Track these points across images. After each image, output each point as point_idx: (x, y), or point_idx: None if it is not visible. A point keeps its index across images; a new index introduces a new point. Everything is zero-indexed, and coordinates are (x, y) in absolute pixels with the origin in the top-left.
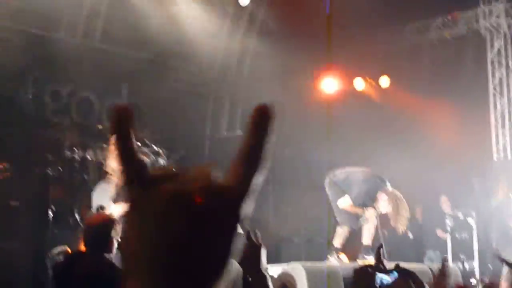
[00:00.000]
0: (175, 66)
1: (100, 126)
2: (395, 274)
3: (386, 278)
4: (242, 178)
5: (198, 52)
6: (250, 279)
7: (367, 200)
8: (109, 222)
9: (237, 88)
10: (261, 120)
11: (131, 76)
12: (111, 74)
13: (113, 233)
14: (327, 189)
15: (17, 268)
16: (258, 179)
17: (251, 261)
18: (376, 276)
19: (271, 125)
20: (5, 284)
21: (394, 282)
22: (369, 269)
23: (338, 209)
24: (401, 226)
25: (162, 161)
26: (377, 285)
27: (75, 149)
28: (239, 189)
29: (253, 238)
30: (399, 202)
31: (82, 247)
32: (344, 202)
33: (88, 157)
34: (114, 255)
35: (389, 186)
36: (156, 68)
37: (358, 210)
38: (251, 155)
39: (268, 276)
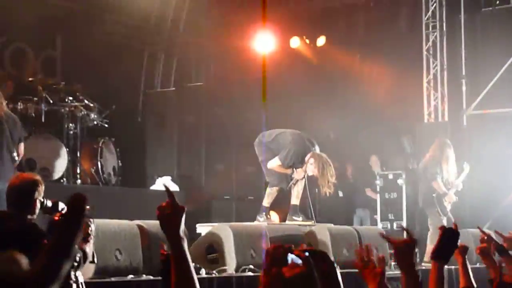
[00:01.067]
0: (109, 19)
1: (31, 79)
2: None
3: (297, 259)
4: (42, 269)
5: (134, 5)
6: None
7: (296, 161)
8: (32, 182)
9: (172, 43)
10: (75, 210)
11: (65, 27)
12: (45, 25)
13: (36, 194)
14: (256, 149)
15: None
16: (62, 270)
17: (171, 224)
18: (288, 256)
19: (81, 217)
20: None
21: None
22: (282, 249)
23: (267, 169)
24: (327, 189)
25: (94, 115)
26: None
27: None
28: (37, 279)
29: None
30: (325, 165)
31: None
32: (273, 163)
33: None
34: (36, 216)
35: (317, 149)
36: (90, 20)
37: (287, 171)
38: (57, 246)
39: (185, 239)
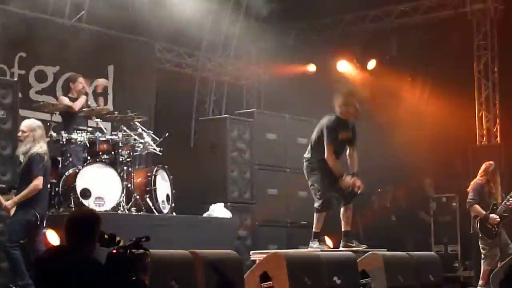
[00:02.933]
0: (161, 46)
1: (85, 109)
2: None
3: None
4: None
5: (185, 32)
6: None
7: None
8: (94, 216)
9: (223, 69)
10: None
11: (117, 56)
12: (97, 54)
13: (98, 228)
14: (305, 173)
15: None
16: None
17: None
18: None
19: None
20: None
21: None
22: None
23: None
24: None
25: (147, 143)
26: None
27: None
28: None
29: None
30: None
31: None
32: None
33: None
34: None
35: None
36: (142, 48)
37: None
38: None
39: None
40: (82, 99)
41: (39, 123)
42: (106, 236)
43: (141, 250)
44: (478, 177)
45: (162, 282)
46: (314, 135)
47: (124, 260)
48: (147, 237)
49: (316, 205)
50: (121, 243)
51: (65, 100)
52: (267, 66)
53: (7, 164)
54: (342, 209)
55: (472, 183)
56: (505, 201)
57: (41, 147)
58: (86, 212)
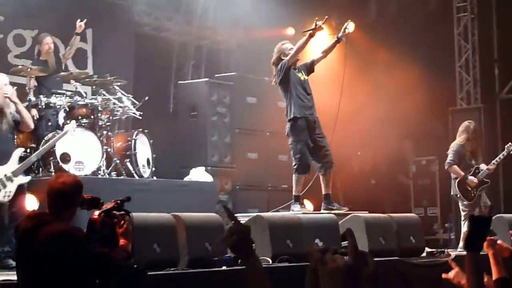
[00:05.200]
0: (139, 10)
1: (63, 73)
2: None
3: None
4: None
5: None
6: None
7: None
8: (76, 186)
9: (202, 33)
10: None
11: (96, 20)
12: (75, 18)
13: (79, 197)
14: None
15: None
16: None
17: (243, 246)
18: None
19: None
20: None
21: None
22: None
23: None
24: None
25: (127, 107)
26: None
27: None
28: None
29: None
30: None
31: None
32: None
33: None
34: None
35: None
36: (120, 11)
37: None
38: None
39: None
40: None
41: None
42: (88, 199)
43: (123, 212)
44: (458, 138)
45: (144, 245)
46: None
47: (105, 227)
48: (128, 198)
49: (294, 166)
50: (103, 207)
51: None
52: (246, 30)
53: None
54: (321, 173)
55: (452, 144)
56: (487, 166)
57: None
58: (67, 179)
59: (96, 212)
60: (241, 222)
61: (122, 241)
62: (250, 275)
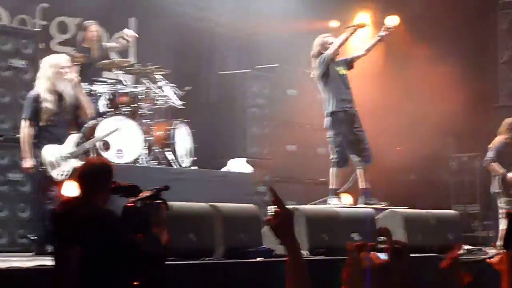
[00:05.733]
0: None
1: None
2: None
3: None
4: None
5: None
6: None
7: None
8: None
9: (245, 24)
10: None
11: (139, 9)
12: (118, 7)
13: (111, 178)
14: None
15: None
16: None
17: (285, 231)
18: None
19: None
20: None
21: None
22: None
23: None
24: None
25: (168, 97)
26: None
27: None
28: None
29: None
30: None
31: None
32: None
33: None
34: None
35: None
36: (163, 1)
37: None
38: None
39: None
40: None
41: (50, 60)
42: (125, 187)
43: (159, 201)
44: (499, 135)
45: (180, 234)
46: None
47: (138, 214)
48: (166, 187)
49: (332, 159)
50: (140, 195)
51: None
52: (289, 21)
53: None
54: (360, 167)
55: (493, 141)
56: None
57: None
58: (94, 162)
59: (131, 199)
60: (285, 206)
61: (155, 230)
62: (289, 259)
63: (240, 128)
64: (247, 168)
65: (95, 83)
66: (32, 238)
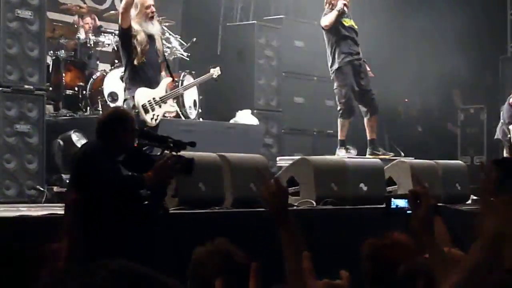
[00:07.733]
0: None
1: (112, 12)
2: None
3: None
4: None
5: None
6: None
7: None
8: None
9: None
10: None
11: None
12: None
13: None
14: None
15: None
16: None
17: (279, 208)
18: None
19: None
20: None
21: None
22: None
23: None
24: None
25: (174, 48)
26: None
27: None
28: None
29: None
30: None
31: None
32: None
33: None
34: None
35: None
36: None
37: None
38: None
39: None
40: None
41: None
42: (154, 135)
43: (167, 152)
44: None
45: (190, 184)
46: None
47: (141, 157)
48: (193, 143)
49: (339, 110)
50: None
51: None
52: None
53: (35, 65)
54: (367, 117)
55: None
56: None
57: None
58: (109, 110)
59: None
60: (282, 184)
61: (148, 174)
62: (283, 239)
63: (247, 80)
64: (253, 120)
65: (102, 34)
66: (41, 189)
